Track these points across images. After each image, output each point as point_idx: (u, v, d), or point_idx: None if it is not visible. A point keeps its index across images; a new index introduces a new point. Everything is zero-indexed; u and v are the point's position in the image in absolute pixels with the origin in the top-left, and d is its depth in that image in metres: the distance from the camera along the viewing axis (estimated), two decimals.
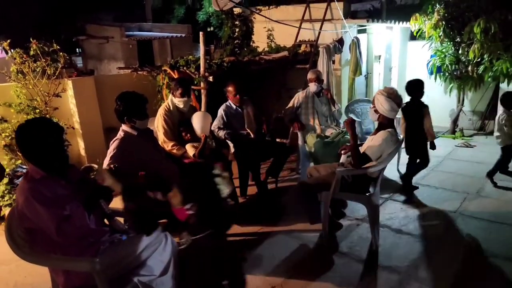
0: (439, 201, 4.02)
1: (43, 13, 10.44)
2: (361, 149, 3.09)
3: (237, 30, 6.50)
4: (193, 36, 12.23)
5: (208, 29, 13.58)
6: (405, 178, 4.37)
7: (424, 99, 6.51)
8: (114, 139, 2.76)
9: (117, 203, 2.35)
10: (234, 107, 4.34)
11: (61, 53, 4.14)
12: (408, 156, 4.35)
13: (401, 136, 3.21)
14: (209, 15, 12.69)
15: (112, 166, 2.43)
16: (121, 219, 2.40)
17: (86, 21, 10.86)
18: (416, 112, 4.13)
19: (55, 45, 4.08)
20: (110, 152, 2.68)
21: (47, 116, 4.11)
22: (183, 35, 12.04)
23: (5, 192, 3.85)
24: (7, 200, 3.78)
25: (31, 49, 4.03)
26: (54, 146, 1.97)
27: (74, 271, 1.98)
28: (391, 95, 3.03)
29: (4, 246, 2.01)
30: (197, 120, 3.52)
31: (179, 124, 3.64)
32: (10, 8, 10.16)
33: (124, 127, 2.83)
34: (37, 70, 4.11)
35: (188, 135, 3.62)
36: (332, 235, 3.38)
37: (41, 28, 9.08)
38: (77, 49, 13.02)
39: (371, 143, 3.04)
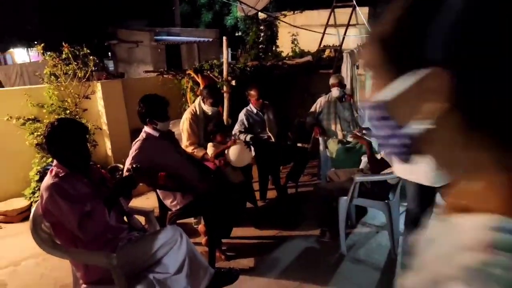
0: None
1: (78, 19, 10.90)
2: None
3: (262, 35, 6.56)
4: (220, 40, 12.39)
5: (236, 34, 13.76)
6: None
7: None
8: (136, 140, 2.85)
9: (136, 201, 2.43)
10: (255, 111, 4.38)
11: (91, 57, 4.31)
12: None
13: None
14: (237, 20, 12.87)
15: (134, 165, 2.51)
16: (139, 217, 2.48)
17: (118, 26, 11.22)
18: None
19: (85, 49, 4.26)
20: (132, 152, 2.77)
21: (77, 117, 4.30)
22: (210, 39, 12.24)
23: (36, 189, 4.05)
24: (37, 197, 3.97)
25: (63, 52, 4.23)
26: (78, 145, 2.07)
27: (93, 265, 2.07)
28: None
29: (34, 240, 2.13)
30: (235, 152, 3.47)
31: (214, 126, 3.66)
32: (48, 15, 10.67)
33: (146, 128, 2.93)
34: (69, 73, 4.30)
35: (219, 137, 3.63)
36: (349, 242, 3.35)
37: (75, 33, 9.47)
38: (109, 53, 13.45)
39: None
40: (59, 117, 4.08)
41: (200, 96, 3.79)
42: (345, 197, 3.11)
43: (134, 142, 2.84)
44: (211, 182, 3.13)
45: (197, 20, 15.40)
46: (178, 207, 2.91)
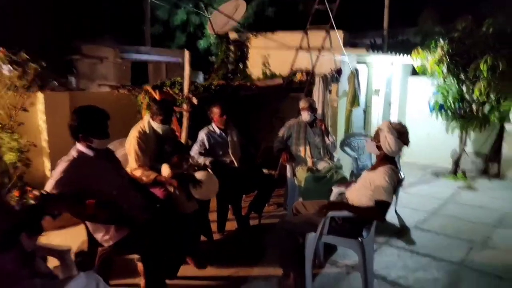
0: (442, 250, 3.56)
1: (40, 31, 10.30)
2: (355, 191, 2.67)
3: (231, 54, 6.23)
4: (192, 62, 12.04)
5: (210, 58, 13.50)
6: None
7: (424, 136, 6.14)
8: (63, 159, 2.34)
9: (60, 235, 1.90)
10: (218, 131, 3.95)
11: (31, 64, 3.79)
12: None
13: (402, 174, 2.80)
14: (210, 44, 12.61)
15: (44, 192, 2.02)
16: (50, 258, 1.95)
17: (83, 41, 10.70)
18: None
19: (24, 54, 3.74)
20: (56, 175, 2.24)
21: (9, 131, 3.72)
22: (180, 60, 11.88)
23: None
24: None
25: None
26: None
27: None
28: (402, 135, 2.65)
29: None
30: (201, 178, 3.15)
31: (170, 147, 3.29)
32: (9, 29, 10.02)
33: (78, 146, 2.42)
34: (7, 81, 3.75)
35: (175, 158, 3.25)
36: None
37: (34, 45, 8.87)
38: (73, 68, 12.83)
39: (379, 183, 2.59)
40: None
41: (150, 114, 3.32)
42: (314, 234, 2.68)
43: (58, 162, 2.32)
44: (156, 211, 2.64)
45: (170, 42, 15.09)
46: (110, 242, 2.38)
